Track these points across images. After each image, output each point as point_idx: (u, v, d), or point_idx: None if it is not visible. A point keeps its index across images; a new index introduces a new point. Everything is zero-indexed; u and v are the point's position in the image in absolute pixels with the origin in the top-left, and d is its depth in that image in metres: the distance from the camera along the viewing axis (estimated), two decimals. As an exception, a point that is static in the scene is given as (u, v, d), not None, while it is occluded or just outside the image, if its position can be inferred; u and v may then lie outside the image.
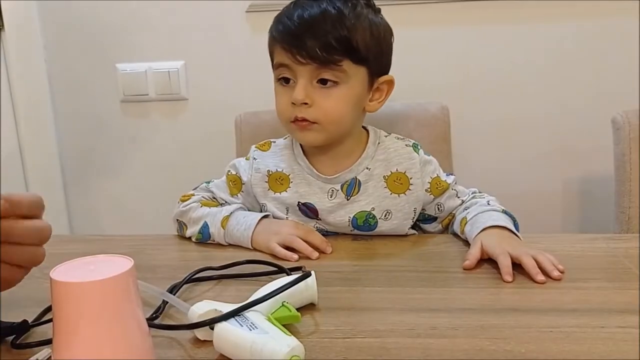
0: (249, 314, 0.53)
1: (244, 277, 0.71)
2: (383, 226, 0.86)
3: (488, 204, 0.84)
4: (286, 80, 0.82)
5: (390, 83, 0.86)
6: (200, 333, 0.55)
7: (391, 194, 0.85)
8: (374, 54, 0.81)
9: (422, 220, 0.91)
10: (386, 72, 0.86)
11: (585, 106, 1.34)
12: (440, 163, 0.91)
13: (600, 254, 0.77)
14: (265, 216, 0.86)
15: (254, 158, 0.91)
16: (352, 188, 0.86)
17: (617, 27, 1.29)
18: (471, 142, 1.35)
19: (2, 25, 1.39)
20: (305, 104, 0.80)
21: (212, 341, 0.52)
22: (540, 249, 0.71)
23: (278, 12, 0.83)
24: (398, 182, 0.85)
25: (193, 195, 0.92)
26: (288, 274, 0.68)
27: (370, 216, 0.85)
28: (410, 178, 0.85)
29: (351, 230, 0.87)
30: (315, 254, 0.78)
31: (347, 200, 0.86)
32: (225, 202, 0.92)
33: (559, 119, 1.36)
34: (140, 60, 1.42)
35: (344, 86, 0.80)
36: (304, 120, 0.81)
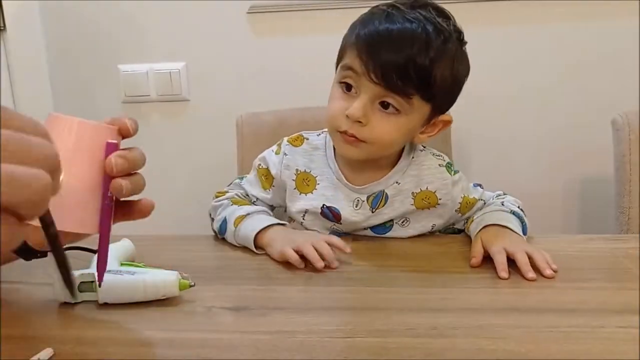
0: (121, 267, 0.62)
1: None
2: (397, 231, 0.85)
3: (502, 204, 0.84)
4: (348, 87, 0.77)
5: (447, 123, 0.82)
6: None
7: (416, 209, 0.84)
8: (444, 93, 0.76)
9: (451, 234, 0.90)
10: (447, 110, 0.81)
11: (585, 107, 1.34)
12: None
13: (600, 255, 0.78)
14: (280, 224, 0.82)
15: (285, 153, 0.87)
16: (378, 201, 0.84)
17: (618, 28, 1.30)
18: (471, 143, 1.35)
19: (4, 26, 1.39)
20: (360, 122, 0.75)
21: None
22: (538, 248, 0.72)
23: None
24: (426, 201, 0.84)
25: (227, 192, 0.91)
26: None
27: (389, 224, 0.85)
28: (440, 199, 0.83)
29: (364, 230, 0.86)
30: (321, 264, 0.72)
31: (372, 212, 0.84)
32: (257, 199, 0.90)
33: (559, 119, 1.36)
34: (142, 61, 1.42)
35: (404, 117, 0.75)
36: (353, 136, 0.76)
